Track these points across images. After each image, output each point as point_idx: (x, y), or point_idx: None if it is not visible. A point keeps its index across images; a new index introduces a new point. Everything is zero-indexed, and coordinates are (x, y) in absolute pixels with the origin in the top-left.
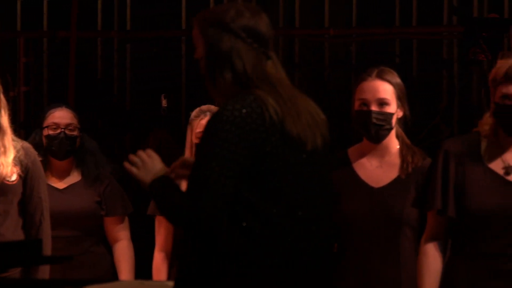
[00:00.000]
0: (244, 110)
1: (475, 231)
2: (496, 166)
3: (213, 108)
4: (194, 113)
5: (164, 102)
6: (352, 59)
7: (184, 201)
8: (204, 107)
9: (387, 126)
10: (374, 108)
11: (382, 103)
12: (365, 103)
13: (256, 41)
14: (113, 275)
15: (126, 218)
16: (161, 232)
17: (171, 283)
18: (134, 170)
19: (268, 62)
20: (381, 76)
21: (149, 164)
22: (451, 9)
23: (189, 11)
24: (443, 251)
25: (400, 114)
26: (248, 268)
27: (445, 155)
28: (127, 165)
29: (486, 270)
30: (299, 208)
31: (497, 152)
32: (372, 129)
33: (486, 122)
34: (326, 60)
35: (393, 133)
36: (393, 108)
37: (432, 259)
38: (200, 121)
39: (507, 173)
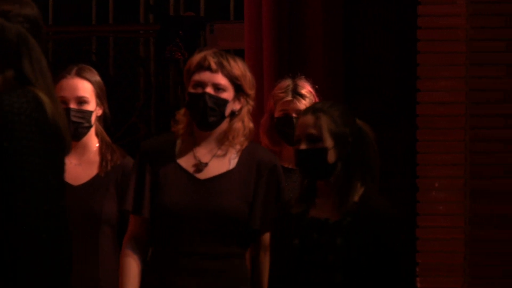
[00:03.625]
0: (26, 106)
1: (169, 230)
2: (188, 164)
3: None
4: None
5: None
6: (49, 57)
7: None
8: None
9: (86, 124)
10: (73, 105)
11: (81, 101)
12: (64, 101)
13: (38, 35)
14: None
15: None
16: None
17: None
18: None
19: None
20: (80, 74)
21: None
22: (148, 8)
23: None
24: (143, 251)
25: (99, 112)
26: None
27: (141, 156)
28: None
29: (181, 269)
30: None
31: (190, 149)
32: (71, 127)
33: (181, 121)
34: None
35: (92, 131)
36: (92, 106)
37: (132, 259)
38: None
39: (198, 170)
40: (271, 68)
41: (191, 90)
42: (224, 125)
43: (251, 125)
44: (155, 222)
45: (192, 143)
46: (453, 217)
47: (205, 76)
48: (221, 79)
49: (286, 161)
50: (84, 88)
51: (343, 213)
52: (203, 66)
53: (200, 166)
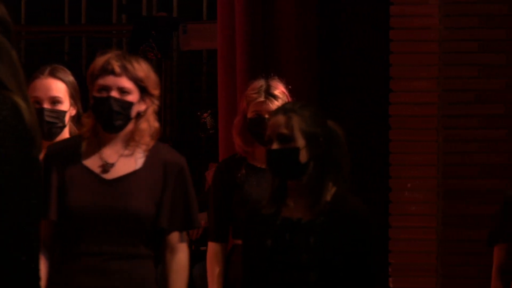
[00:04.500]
0: (6, 113)
1: (75, 231)
2: (94, 164)
3: None
4: None
5: None
6: (22, 57)
7: None
8: None
9: (60, 124)
10: (46, 105)
11: (55, 101)
12: (38, 101)
13: (7, 34)
14: None
15: None
16: None
17: None
18: None
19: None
20: (53, 74)
21: None
22: (120, 8)
23: None
24: (49, 252)
25: (73, 112)
26: None
27: (46, 159)
28: None
29: (86, 269)
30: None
31: (97, 150)
32: (44, 127)
33: (86, 123)
34: None
35: (66, 131)
36: (66, 106)
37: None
38: None
39: (104, 171)
40: (244, 68)
41: (96, 94)
42: (130, 126)
43: (156, 124)
44: (62, 223)
45: (98, 144)
46: (426, 217)
47: (110, 80)
48: (126, 83)
49: (259, 161)
50: (58, 88)
51: (316, 212)
52: (107, 70)
53: (106, 167)
